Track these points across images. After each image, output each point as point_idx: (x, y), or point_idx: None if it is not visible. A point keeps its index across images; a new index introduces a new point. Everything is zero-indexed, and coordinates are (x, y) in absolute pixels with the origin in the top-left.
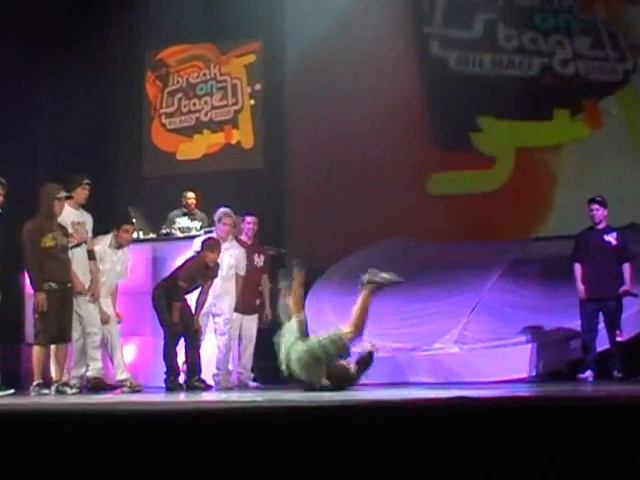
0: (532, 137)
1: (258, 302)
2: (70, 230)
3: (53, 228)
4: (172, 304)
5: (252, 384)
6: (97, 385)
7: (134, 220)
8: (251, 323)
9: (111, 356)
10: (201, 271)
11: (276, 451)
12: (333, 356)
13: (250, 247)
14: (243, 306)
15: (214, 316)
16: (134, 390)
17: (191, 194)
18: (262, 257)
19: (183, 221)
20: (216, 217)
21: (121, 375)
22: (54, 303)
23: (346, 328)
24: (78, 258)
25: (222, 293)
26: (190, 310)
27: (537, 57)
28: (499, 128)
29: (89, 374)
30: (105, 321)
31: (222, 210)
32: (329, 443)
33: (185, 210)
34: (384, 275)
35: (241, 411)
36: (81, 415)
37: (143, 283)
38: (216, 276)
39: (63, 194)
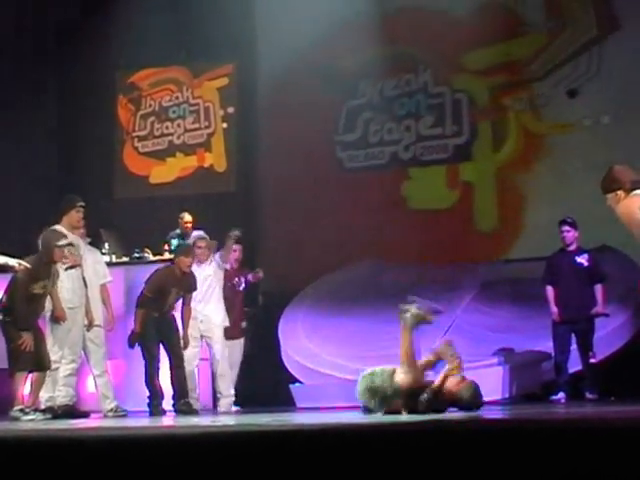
0: None
1: (244, 325)
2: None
3: (46, 275)
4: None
5: (234, 408)
6: (67, 412)
7: (106, 244)
8: (236, 348)
9: (95, 376)
10: (174, 279)
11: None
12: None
13: (233, 272)
14: (231, 331)
15: (205, 339)
16: (118, 415)
17: (187, 216)
18: (242, 279)
19: (176, 243)
20: (190, 241)
21: (109, 404)
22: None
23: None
24: (70, 281)
25: (211, 315)
26: (173, 324)
27: (388, 146)
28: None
29: (60, 400)
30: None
31: (195, 234)
32: (300, 467)
33: (179, 232)
34: (431, 308)
35: (211, 436)
36: (74, 441)
37: (116, 307)
38: (195, 288)
39: (64, 242)
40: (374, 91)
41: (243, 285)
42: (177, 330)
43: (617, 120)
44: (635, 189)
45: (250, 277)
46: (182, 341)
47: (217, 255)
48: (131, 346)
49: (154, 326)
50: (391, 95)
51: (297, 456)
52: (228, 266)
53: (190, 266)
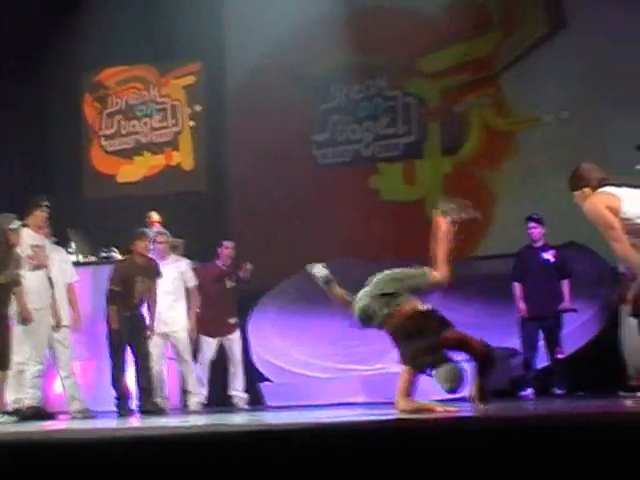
0: None
1: (233, 321)
2: (29, 252)
3: (7, 263)
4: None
5: (245, 406)
6: (35, 413)
7: (73, 243)
8: (232, 343)
9: (62, 377)
10: (136, 267)
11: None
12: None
13: (223, 271)
14: (215, 328)
15: (169, 337)
16: (86, 417)
17: (155, 215)
18: (234, 276)
19: None
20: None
21: (76, 406)
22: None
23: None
24: (36, 282)
25: (173, 310)
26: (142, 323)
27: (350, 144)
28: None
29: (28, 402)
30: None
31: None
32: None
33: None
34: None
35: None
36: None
37: (83, 307)
38: (160, 275)
39: (17, 224)
40: (342, 95)
41: (233, 283)
42: (145, 329)
43: (575, 116)
44: (601, 187)
45: (240, 273)
46: (148, 331)
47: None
48: (112, 345)
49: (124, 326)
50: (355, 98)
51: (266, 456)
52: (221, 265)
53: (148, 250)
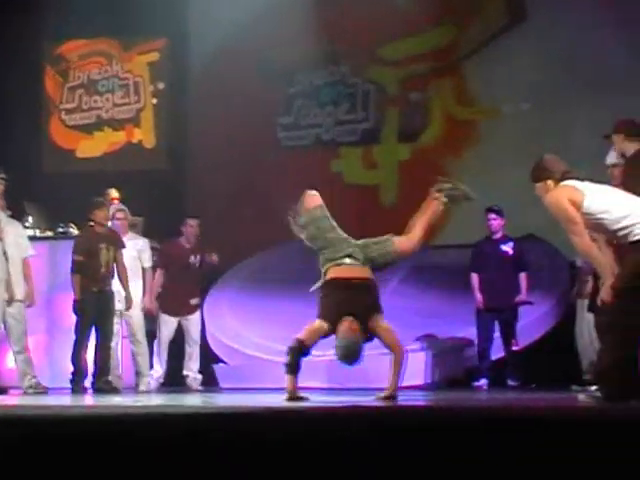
0: None
1: (195, 302)
2: None
3: None
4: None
5: (198, 387)
6: None
7: (29, 217)
8: (190, 324)
9: (14, 352)
10: (98, 236)
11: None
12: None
13: (188, 249)
14: (176, 307)
15: (124, 318)
16: (38, 392)
17: (114, 192)
18: (198, 257)
19: None
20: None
21: (28, 381)
22: None
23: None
24: None
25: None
26: (111, 301)
27: (312, 128)
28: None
29: None
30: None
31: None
32: (222, 450)
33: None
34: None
35: (129, 416)
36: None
37: (38, 282)
38: (124, 245)
39: None
40: (306, 80)
41: (198, 264)
42: (113, 307)
43: (538, 107)
44: (564, 179)
45: (207, 258)
46: (126, 301)
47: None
48: (77, 315)
49: (93, 302)
50: (319, 84)
51: (211, 440)
52: (185, 243)
53: (107, 219)
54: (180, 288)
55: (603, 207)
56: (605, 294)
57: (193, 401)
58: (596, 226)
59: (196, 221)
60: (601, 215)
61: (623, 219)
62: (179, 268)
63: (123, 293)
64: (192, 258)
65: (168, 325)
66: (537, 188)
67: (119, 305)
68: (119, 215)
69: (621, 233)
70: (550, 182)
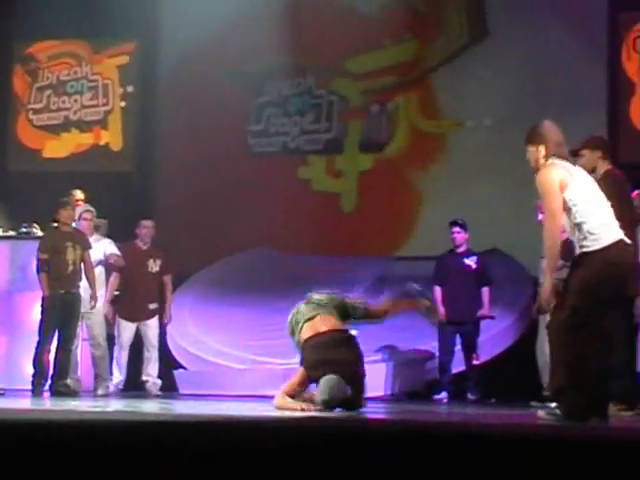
0: None
1: (153, 307)
2: None
3: None
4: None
5: (157, 392)
6: None
7: None
8: (148, 329)
9: None
10: (63, 235)
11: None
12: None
13: (145, 252)
14: (134, 312)
15: (84, 321)
16: None
17: (79, 193)
18: (158, 261)
19: None
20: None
21: None
22: None
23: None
24: None
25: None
26: (77, 304)
27: (280, 136)
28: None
29: None
30: None
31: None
32: (178, 460)
33: None
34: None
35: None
36: None
37: None
38: (90, 246)
39: None
40: (275, 90)
41: (157, 268)
42: (79, 310)
43: (499, 122)
44: (555, 155)
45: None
46: (92, 301)
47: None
48: (42, 316)
49: (59, 304)
50: (287, 94)
51: (165, 448)
52: (142, 245)
53: (73, 220)
54: (138, 293)
55: (582, 201)
56: (544, 301)
57: (150, 408)
58: (566, 213)
59: (150, 222)
60: (575, 208)
61: (595, 222)
62: (136, 272)
63: (89, 291)
64: (150, 262)
65: (127, 331)
66: (528, 152)
67: (82, 307)
68: (86, 215)
69: (585, 235)
70: (542, 148)
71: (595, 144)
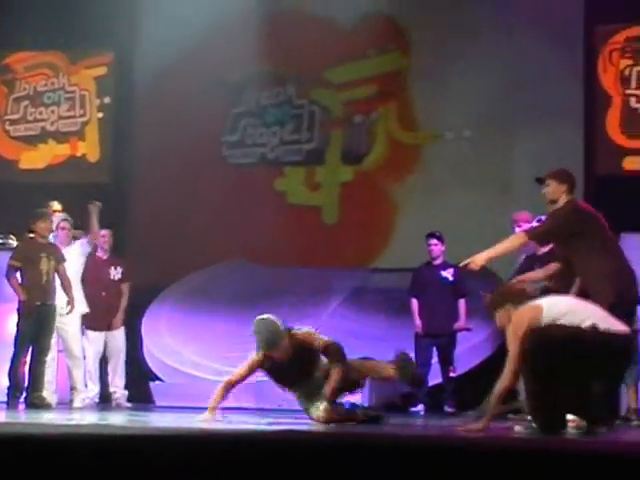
0: None
1: (119, 316)
2: None
3: None
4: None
5: (126, 403)
6: None
7: None
8: (113, 338)
9: None
10: (38, 246)
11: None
12: None
13: (106, 261)
14: (99, 322)
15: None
16: None
17: (56, 205)
18: (119, 269)
19: None
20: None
21: None
22: None
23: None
24: None
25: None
26: (52, 315)
27: (257, 147)
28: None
29: None
30: None
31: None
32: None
33: None
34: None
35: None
36: None
37: None
38: (64, 259)
39: None
40: (253, 100)
41: (119, 276)
42: (54, 322)
43: (481, 134)
44: (522, 303)
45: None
46: (69, 306)
47: (84, 240)
48: (17, 328)
49: (34, 316)
50: (265, 104)
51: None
52: (102, 255)
53: (50, 232)
54: (102, 302)
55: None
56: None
57: (124, 420)
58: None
59: (108, 231)
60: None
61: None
62: (98, 282)
63: (65, 298)
64: (112, 270)
65: (96, 341)
66: (498, 317)
67: (58, 316)
68: (63, 225)
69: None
70: (509, 307)
71: (563, 178)
